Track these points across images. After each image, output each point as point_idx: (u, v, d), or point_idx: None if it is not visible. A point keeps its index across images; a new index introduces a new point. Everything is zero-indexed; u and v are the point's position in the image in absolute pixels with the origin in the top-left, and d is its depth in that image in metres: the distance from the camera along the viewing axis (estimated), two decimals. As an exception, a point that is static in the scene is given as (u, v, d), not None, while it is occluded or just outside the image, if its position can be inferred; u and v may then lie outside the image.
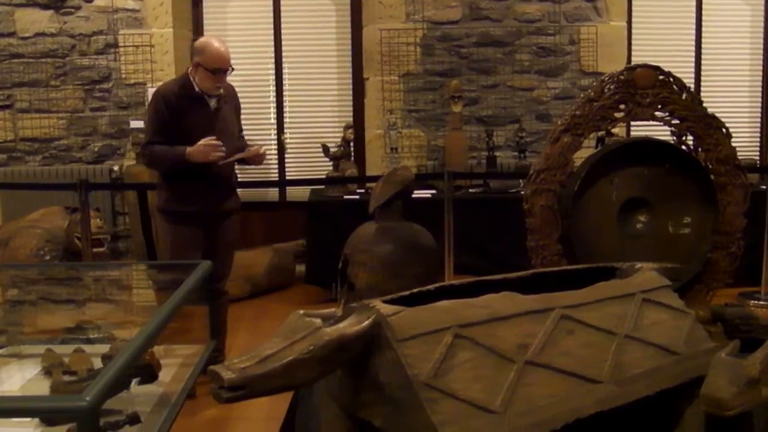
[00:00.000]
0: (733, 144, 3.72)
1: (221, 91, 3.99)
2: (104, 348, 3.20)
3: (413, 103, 6.59)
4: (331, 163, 6.08)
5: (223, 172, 3.99)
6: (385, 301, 1.87)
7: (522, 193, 3.66)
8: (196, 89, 3.91)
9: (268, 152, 4.21)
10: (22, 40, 6.36)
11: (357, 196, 5.88)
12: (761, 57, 7.07)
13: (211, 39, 3.95)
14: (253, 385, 1.67)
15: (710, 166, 3.64)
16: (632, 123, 5.37)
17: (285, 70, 6.85)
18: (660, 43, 6.89)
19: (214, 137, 3.84)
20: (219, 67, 3.86)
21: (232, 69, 3.96)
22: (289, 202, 6.83)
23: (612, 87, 3.59)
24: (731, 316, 3.73)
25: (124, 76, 6.41)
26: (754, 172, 5.86)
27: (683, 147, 3.66)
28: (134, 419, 2.59)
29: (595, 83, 3.85)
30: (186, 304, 2.83)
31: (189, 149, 3.80)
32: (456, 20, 6.56)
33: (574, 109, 3.61)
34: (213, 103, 3.96)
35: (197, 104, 3.92)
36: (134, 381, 2.79)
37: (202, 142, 3.80)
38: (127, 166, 6.28)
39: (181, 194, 3.94)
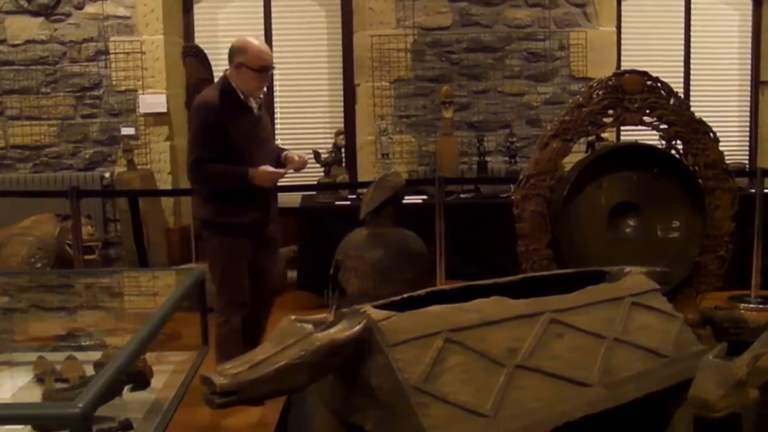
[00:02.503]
0: (722, 148, 3.75)
1: (263, 92, 3.84)
2: (96, 355, 3.21)
3: (404, 109, 6.60)
4: (322, 169, 6.08)
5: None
6: (376, 307, 1.89)
7: (512, 198, 3.68)
8: (240, 96, 3.72)
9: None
10: (13, 48, 6.35)
11: (348, 202, 5.88)
12: (749, 61, 7.13)
13: (249, 38, 3.74)
14: (245, 391, 1.68)
15: (698, 171, 3.67)
16: (622, 128, 5.40)
17: (276, 77, 6.85)
18: (649, 48, 6.92)
19: (282, 170, 3.85)
20: (264, 65, 3.69)
21: (274, 67, 3.83)
22: (280, 208, 6.81)
23: (600, 92, 3.62)
24: (720, 319, 3.75)
25: (114, 83, 6.41)
26: (743, 176, 5.90)
27: (672, 151, 3.69)
28: (126, 426, 2.61)
29: (584, 89, 3.87)
30: (178, 311, 2.85)
31: (252, 172, 3.68)
32: (446, 26, 6.58)
33: (563, 114, 3.63)
34: (256, 110, 3.82)
35: (242, 112, 3.74)
36: (126, 388, 2.81)
37: (268, 169, 3.73)
38: (118, 172, 6.27)
39: (232, 207, 3.80)
